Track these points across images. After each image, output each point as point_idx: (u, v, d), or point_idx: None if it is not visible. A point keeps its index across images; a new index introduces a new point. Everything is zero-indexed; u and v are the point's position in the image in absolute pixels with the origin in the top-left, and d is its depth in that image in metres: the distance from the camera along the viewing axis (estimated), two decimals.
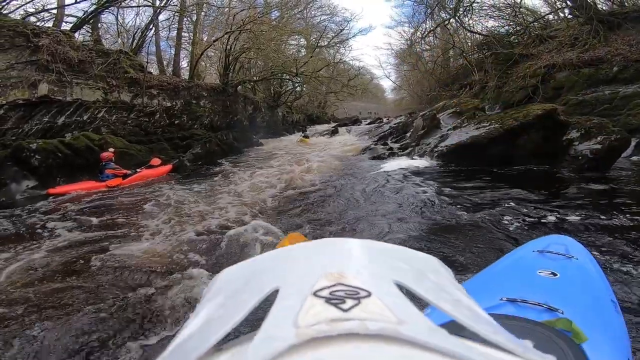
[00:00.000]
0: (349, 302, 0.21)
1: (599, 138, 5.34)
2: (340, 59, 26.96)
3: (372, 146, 9.03)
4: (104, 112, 9.05)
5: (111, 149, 7.12)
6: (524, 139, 5.69)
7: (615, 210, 3.43)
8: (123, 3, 12.68)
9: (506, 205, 3.81)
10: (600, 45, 9.91)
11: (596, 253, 2.43)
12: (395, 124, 13.95)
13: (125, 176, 6.90)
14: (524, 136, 5.68)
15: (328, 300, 0.22)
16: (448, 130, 7.82)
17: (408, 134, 10.58)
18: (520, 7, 14.30)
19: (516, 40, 14.91)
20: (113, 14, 13.73)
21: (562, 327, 0.72)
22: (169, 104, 11.50)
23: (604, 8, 12.10)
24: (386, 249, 0.33)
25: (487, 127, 6.14)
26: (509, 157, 5.73)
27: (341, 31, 24.10)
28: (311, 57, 19.67)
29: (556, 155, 5.58)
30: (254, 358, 0.18)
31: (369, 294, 0.22)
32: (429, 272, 0.30)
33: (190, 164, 9.39)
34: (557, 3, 14.36)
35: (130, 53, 12.13)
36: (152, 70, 16.63)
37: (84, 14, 11.16)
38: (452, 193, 4.41)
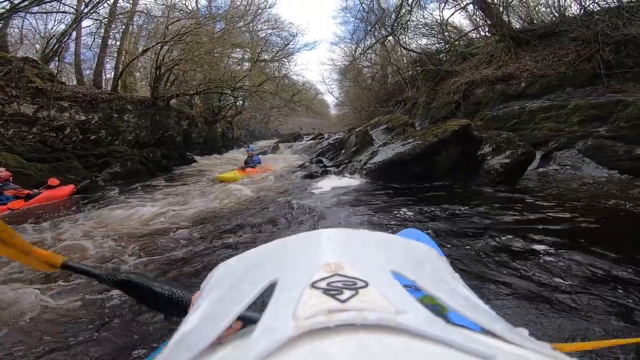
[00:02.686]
0: (347, 293, 0.21)
1: (507, 152, 5.62)
2: (285, 74, 26.96)
3: (306, 164, 8.81)
4: None
5: (2, 169, 6.22)
6: (442, 155, 5.79)
7: (507, 215, 3.65)
8: (38, 8, 11.39)
9: (418, 219, 3.76)
10: (512, 62, 10.83)
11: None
12: (334, 140, 14.01)
13: (27, 197, 6.07)
14: (442, 152, 5.78)
15: (326, 291, 0.22)
16: (379, 147, 7.88)
17: (343, 151, 10.59)
18: (447, 25, 15.30)
19: (444, 58, 15.93)
20: (25, 19, 12.40)
21: (429, 302, 0.82)
22: (83, 118, 10.39)
23: (516, 26, 13.31)
24: (383, 238, 0.33)
25: (411, 143, 6.18)
26: (430, 172, 5.80)
27: (286, 45, 24.06)
28: (251, 70, 19.28)
29: (472, 170, 5.78)
30: (254, 351, 0.18)
31: (367, 284, 0.22)
32: (426, 262, 0.30)
33: (105, 184, 8.45)
34: (479, 21, 15.59)
35: (39, 61, 10.90)
36: (73, 82, 15.23)
37: None
38: (372, 212, 4.28)
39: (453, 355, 0.18)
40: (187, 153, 14.34)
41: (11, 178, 6.14)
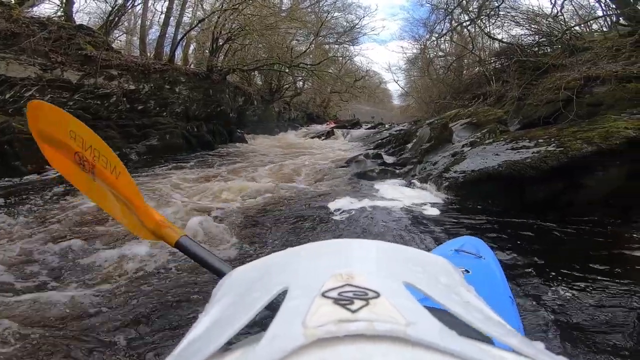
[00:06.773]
0: (357, 303, 0.21)
1: None
2: (350, 57, 25.26)
3: (360, 158, 7.17)
4: (35, 91, 7.41)
5: None
6: (598, 176, 3.71)
7: None
8: None
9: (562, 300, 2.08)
10: None
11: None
12: (396, 131, 12.23)
13: None
14: (599, 171, 3.71)
15: (336, 300, 0.22)
16: (464, 147, 6.06)
17: (409, 145, 8.85)
18: (557, 16, 12.52)
19: (541, 51, 13.20)
20: None
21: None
22: (132, 87, 9.80)
23: None
24: (396, 250, 0.32)
25: (533, 151, 4.19)
26: (570, 200, 3.81)
27: (352, 28, 22.21)
28: (311, 46, 17.93)
29: None
30: (261, 358, 0.18)
31: (378, 295, 0.22)
32: (440, 274, 0.30)
33: (138, 158, 7.74)
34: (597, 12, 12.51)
35: (95, 30, 10.61)
36: (136, 53, 15.13)
37: None
38: None
39: None
40: (239, 130, 13.61)
41: None
